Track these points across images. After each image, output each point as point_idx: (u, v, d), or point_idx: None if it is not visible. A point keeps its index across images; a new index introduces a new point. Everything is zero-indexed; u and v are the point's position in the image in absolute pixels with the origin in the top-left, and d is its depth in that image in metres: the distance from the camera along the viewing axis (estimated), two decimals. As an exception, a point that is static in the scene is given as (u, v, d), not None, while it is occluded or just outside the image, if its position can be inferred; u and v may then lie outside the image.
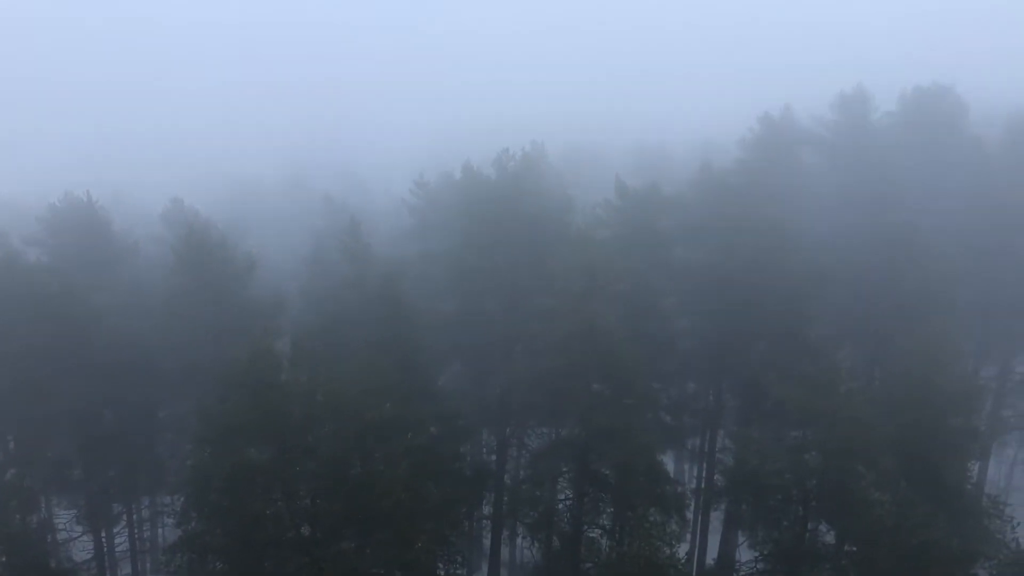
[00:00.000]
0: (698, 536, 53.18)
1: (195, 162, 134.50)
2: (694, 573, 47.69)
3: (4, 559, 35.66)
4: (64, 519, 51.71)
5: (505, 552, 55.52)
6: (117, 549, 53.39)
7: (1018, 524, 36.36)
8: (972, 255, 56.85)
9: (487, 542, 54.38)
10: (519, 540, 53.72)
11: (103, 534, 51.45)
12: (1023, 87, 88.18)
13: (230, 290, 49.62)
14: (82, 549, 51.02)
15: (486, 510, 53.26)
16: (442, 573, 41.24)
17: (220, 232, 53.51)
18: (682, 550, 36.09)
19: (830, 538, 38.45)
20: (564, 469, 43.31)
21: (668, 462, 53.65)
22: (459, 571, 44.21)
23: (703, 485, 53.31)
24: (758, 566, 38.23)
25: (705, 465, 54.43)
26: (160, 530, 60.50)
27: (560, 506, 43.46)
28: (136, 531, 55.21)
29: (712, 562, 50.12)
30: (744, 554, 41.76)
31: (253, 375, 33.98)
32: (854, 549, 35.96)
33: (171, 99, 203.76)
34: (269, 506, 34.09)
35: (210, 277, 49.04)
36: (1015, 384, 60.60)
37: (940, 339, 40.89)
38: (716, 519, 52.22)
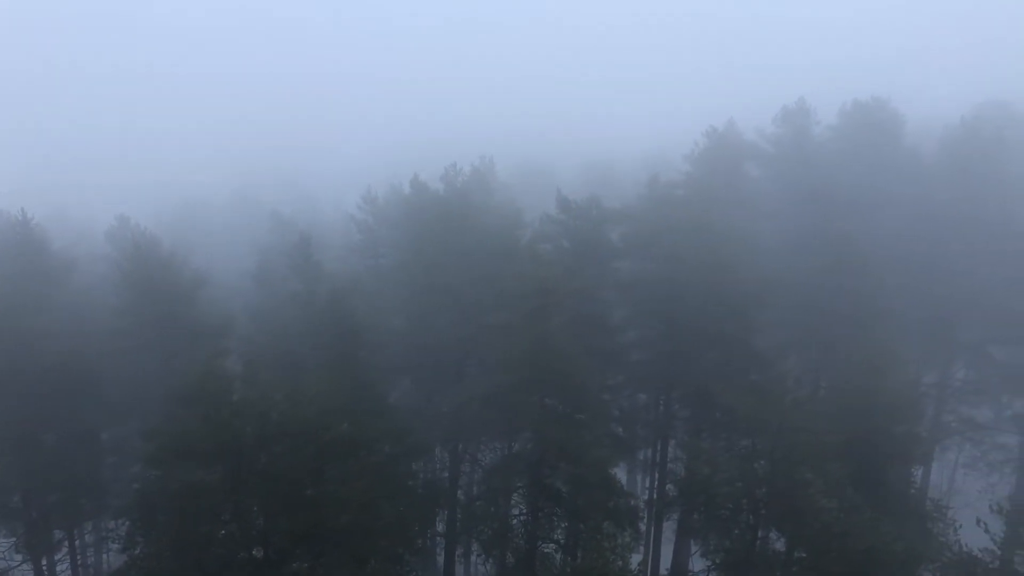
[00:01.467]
0: (651, 547, 53.54)
1: (142, 178, 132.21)
2: (648, 584, 47.99)
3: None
4: (2, 547, 50.18)
5: (459, 570, 55.30)
6: (59, 577, 52.01)
7: (960, 526, 37.27)
8: (912, 264, 58.39)
9: (441, 560, 54.10)
10: (473, 557, 53.55)
11: (44, 562, 50.03)
12: (956, 97, 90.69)
13: (177, 309, 48.84)
14: (22, 579, 49.59)
15: (440, 527, 53.01)
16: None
17: (167, 249, 52.68)
18: (635, 561, 36.33)
19: (780, 545, 39.02)
20: (518, 484, 43.33)
21: (620, 474, 54.00)
22: (414, 589, 43.91)
23: (655, 496, 53.70)
24: (711, 575, 38.65)
25: (657, 476, 54.87)
26: (105, 556, 59.03)
27: (514, 522, 43.42)
28: (79, 558, 53.79)
29: (665, 572, 50.54)
30: (697, 563, 42.19)
31: (204, 394, 33.48)
32: (804, 555, 36.55)
33: (110, 117, 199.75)
34: (220, 528, 33.57)
35: (156, 296, 48.22)
36: (955, 390, 62.24)
37: (882, 347, 41.93)
38: (669, 529, 52.64)
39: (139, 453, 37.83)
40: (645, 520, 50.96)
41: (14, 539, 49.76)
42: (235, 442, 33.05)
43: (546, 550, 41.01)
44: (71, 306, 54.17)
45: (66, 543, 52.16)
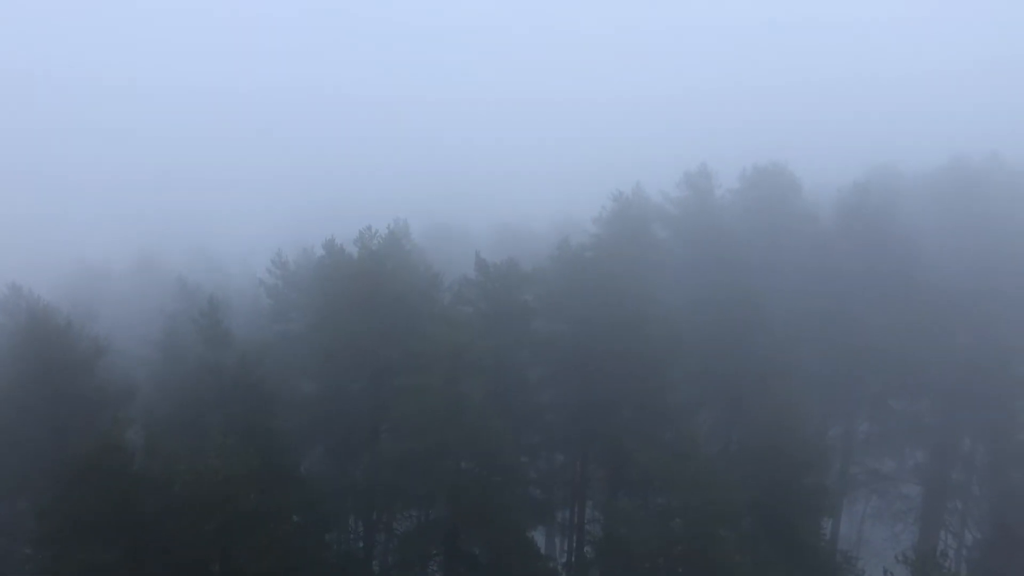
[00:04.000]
0: (571, 610, 52.96)
1: (38, 243, 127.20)
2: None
3: None
4: None
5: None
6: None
7: (869, 576, 38.17)
8: (813, 321, 60.45)
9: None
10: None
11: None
12: (850, 163, 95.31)
13: (74, 379, 46.79)
14: None
15: (355, 599, 51.36)
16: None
17: (64, 317, 50.64)
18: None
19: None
20: (434, 552, 42.53)
21: (539, 537, 53.56)
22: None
23: (573, 559, 53.37)
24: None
25: (575, 537, 54.59)
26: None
27: (431, 589, 42.52)
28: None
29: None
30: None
31: (101, 468, 32.01)
32: (720, 612, 36.73)
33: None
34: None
35: (52, 365, 46.16)
36: (860, 442, 64.25)
37: (788, 402, 43.08)
38: (588, 592, 52.20)
39: (31, 533, 35.73)
40: (564, 583, 50.41)
41: None
42: (135, 518, 31.60)
43: (464, 618, 40.18)
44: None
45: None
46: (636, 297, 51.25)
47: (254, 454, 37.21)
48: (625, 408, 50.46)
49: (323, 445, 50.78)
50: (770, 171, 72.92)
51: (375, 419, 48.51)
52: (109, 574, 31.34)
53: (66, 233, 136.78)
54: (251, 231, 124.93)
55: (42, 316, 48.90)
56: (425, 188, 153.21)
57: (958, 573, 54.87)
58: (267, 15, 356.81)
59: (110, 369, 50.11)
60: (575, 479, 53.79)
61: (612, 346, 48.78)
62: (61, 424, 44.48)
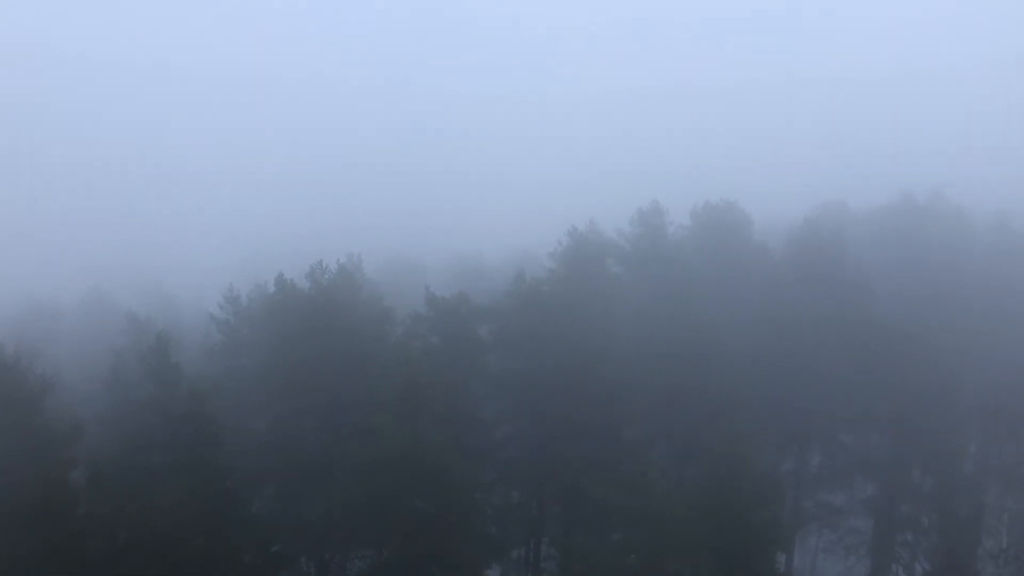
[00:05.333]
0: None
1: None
2: None
3: None
4: None
5: None
6: None
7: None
8: (765, 356, 61.19)
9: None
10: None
11: None
12: (801, 197, 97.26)
13: (20, 417, 45.52)
14: None
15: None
16: None
17: (11, 354, 49.42)
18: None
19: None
20: (388, 591, 41.93)
21: (494, 574, 53.11)
22: None
23: (529, 596, 52.98)
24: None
25: (531, 575, 54.22)
26: None
27: (385, 631, 41.82)
28: None
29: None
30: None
31: (44, 510, 31.13)
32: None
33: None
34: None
35: (-5, 404, 44.89)
36: (811, 476, 64.91)
37: (741, 436, 43.50)
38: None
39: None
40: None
41: None
42: (80, 562, 30.71)
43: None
44: None
45: None
46: (591, 332, 51.53)
47: (204, 494, 36.55)
48: (581, 444, 50.47)
49: (275, 484, 49.98)
50: (721, 207, 74.18)
51: (328, 457, 47.91)
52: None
53: (13, 268, 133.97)
54: (205, 264, 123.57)
55: (-15, 353, 47.62)
56: (382, 221, 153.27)
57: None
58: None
59: (57, 407, 48.91)
60: (531, 516, 53.56)
61: (567, 381, 48.91)
62: (5, 463, 43.20)
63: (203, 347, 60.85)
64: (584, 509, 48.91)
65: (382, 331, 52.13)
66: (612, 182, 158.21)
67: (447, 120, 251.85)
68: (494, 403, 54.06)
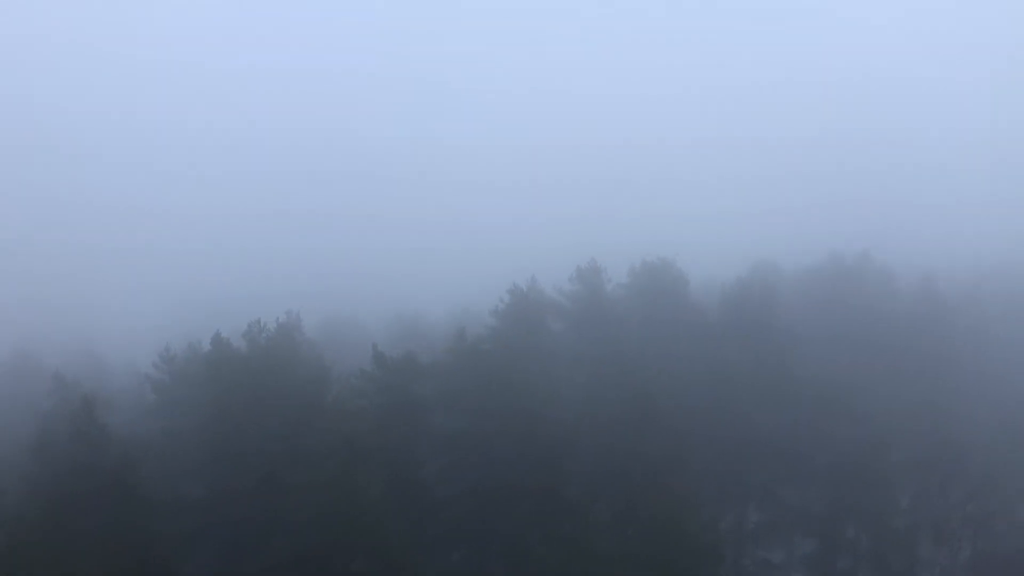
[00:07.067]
0: None
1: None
2: None
3: None
4: None
5: None
6: None
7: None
8: (702, 413, 61.89)
9: None
10: None
11: None
12: (738, 256, 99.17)
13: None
14: None
15: None
16: None
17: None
18: None
19: None
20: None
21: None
22: None
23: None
24: None
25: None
26: None
27: None
28: None
29: None
30: None
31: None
32: None
33: None
34: None
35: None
36: (750, 532, 65.36)
37: (681, 494, 43.75)
38: None
39: None
40: None
41: None
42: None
43: None
44: None
45: None
46: (532, 391, 51.65)
47: (132, 562, 35.32)
48: (524, 502, 50.20)
49: (211, 546, 48.48)
50: (658, 266, 75.52)
51: (265, 518, 46.76)
52: None
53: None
54: (137, 323, 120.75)
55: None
56: (319, 278, 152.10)
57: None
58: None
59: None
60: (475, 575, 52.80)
61: (509, 440, 48.80)
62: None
63: (136, 408, 59.23)
64: (526, 569, 48.39)
65: (320, 390, 51.46)
66: (550, 235, 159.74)
67: (383, 168, 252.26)
68: (437, 462, 53.56)
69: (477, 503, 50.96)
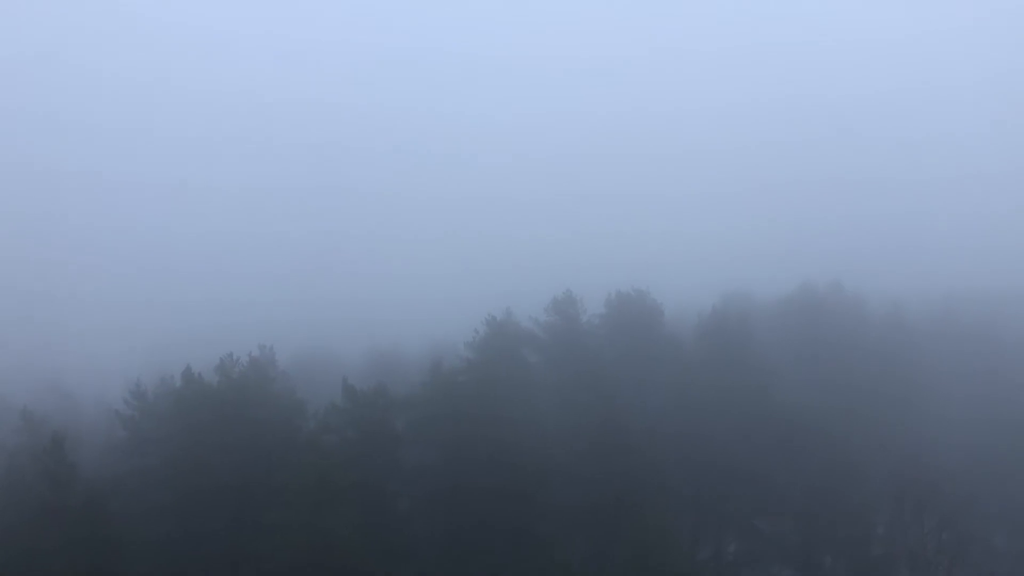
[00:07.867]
0: None
1: None
2: None
3: None
4: None
5: None
6: None
7: None
8: (679, 443, 61.85)
9: None
10: None
11: None
12: (711, 285, 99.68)
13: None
14: None
15: None
16: None
17: None
18: None
19: None
20: None
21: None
22: None
23: None
24: None
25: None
26: None
27: None
28: None
29: None
30: None
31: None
32: None
33: None
34: None
35: None
36: (728, 563, 65.13)
37: (660, 526, 43.58)
38: None
39: None
40: None
41: None
42: None
43: None
44: None
45: None
46: (507, 423, 51.40)
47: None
48: (499, 537, 49.77)
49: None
50: (633, 297, 75.84)
51: (236, 557, 46.08)
52: None
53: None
54: (107, 357, 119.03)
55: None
56: (294, 307, 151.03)
57: None
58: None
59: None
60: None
61: (484, 474, 48.47)
62: None
63: (106, 445, 58.24)
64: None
65: (294, 425, 50.96)
66: (529, 268, 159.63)
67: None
68: (410, 497, 53.07)
69: (450, 538, 50.47)
